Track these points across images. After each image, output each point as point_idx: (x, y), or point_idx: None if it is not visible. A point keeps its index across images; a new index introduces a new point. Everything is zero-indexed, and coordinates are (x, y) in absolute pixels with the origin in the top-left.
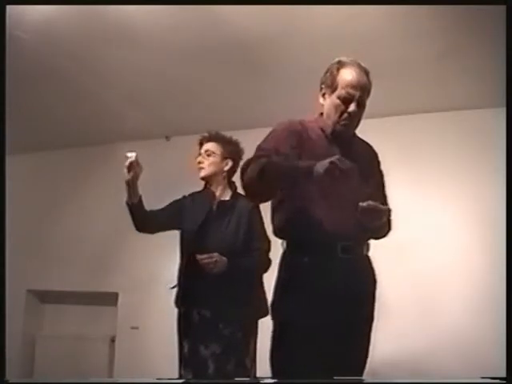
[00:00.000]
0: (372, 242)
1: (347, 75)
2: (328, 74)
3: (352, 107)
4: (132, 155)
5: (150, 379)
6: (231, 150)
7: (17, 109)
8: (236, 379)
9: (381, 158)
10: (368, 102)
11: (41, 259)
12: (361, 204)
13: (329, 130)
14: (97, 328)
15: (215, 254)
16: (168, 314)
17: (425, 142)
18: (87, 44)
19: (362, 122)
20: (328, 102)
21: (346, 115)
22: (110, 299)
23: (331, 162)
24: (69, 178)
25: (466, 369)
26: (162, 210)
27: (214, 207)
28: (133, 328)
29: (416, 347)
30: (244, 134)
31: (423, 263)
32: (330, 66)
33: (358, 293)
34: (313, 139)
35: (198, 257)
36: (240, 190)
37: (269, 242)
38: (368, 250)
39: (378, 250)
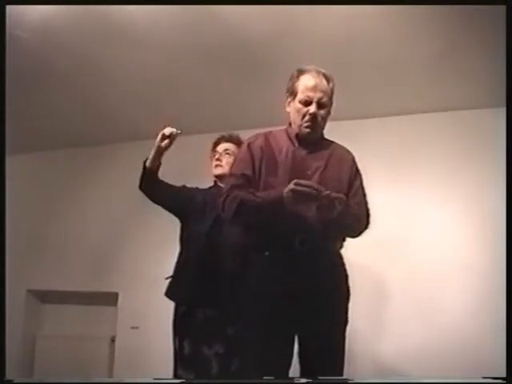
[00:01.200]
0: (372, 242)
1: (306, 81)
2: (289, 84)
3: (313, 108)
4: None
5: (149, 379)
6: None
7: (17, 108)
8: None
9: (380, 158)
10: (367, 102)
11: (41, 259)
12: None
13: (294, 135)
14: (97, 328)
15: None
16: (168, 314)
17: (424, 142)
18: (87, 43)
19: (363, 122)
20: (292, 108)
21: (307, 117)
22: (110, 299)
23: (295, 184)
24: (69, 178)
25: (465, 369)
26: (175, 187)
27: None
28: (133, 328)
29: (416, 347)
30: (244, 134)
31: (423, 263)
32: (291, 75)
33: (321, 289)
34: (274, 150)
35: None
36: None
37: None
38: (340, 247)
39: (377, 250)
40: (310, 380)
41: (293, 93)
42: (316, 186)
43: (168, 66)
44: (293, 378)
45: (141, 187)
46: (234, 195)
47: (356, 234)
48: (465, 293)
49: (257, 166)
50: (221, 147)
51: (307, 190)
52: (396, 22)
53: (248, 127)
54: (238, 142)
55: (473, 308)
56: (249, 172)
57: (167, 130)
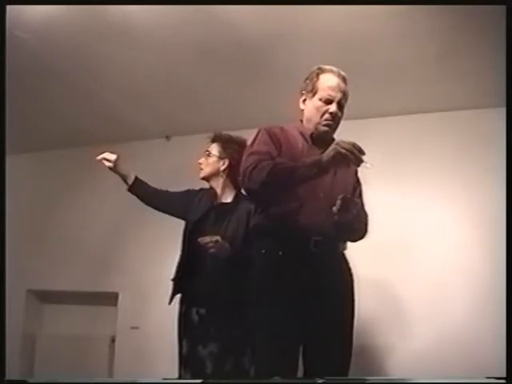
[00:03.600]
0: (372, 243)
1: (327, 79)
2: (308, 80)
3: (333, 107)
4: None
5: (151, 379)
6: (230, 149)
7: (17, 109)
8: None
9: (380, 158)
10: (368, 102)
11: (41, 259)
12: (339, 197)
13: (309, 133)
14: (97, 328)
15: (217, 237)
16: (168, 314)
17: (424, 142)
18: (87, 43)
19: (363, 122)
20: (309, 106)
21: (327, 115)
22: (110, 299)
23: (336, 144)
24: (69, 178)
25: (466, 369)
26: (176, 193)
27: (216, 208)
28: (133, 328)
29: (417, 347)
30: (244, 134)
31: (423, 264)
32: (309, 73)
33: (332, 289)
34: (291, 143)
35: (200, 239)
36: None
37: None
38: (344, 248)
39: (378, 251)
40: (325, 380)
41: (312, 90)
42: (358, 146)
43: (168, 66)
44: (313, 378)
45: (144, 203)
46: (264, 164)
47: (358, 238)
48: (465, 293)
49: (277, 150)
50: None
51: (348, 153)
52: (396, 22)
53: (248, 127)
54: (221, 140)
55: (473, 309)
56: (273, 153)
57: (105, 155)
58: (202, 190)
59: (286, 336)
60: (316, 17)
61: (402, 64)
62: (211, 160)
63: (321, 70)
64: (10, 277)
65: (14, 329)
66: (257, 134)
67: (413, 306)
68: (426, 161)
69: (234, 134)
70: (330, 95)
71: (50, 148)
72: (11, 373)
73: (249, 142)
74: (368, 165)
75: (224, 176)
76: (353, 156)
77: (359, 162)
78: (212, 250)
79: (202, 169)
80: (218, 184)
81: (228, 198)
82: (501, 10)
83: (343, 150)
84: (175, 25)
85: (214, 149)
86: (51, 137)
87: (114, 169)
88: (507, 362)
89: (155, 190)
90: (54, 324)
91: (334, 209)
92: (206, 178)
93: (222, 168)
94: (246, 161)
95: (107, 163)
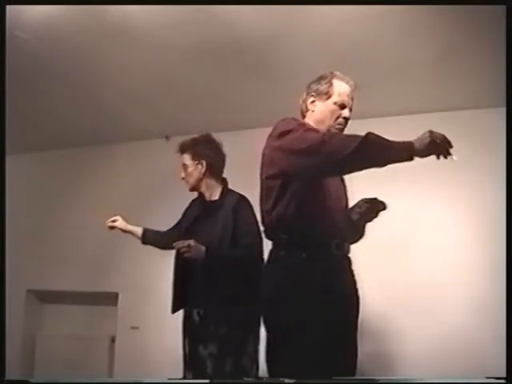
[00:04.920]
0: (373, 244)
1: (341, 86)
2: (319, 84)
3: (347, 112)
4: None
5: (152, 379)
6: (201, 151)
7: (17, 109)
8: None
9: None
10: (368, 102)
11: (41, 259)
12: (363, 199)
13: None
14: (97, 328)
15: (190, 240)
16: (168, 314)
17: None
18: (87, 44)
19: (363, 122)
20: (321, 108)
21: (341, 119)
22: (110, 299)
23: (430, 132)
24: (69, 178)
25: (466, 368)
26: (177, 224)
27: (204, 209)
28: (133, 328)
29: (417, 347)
30: (244, 133)
31: (423, 264)
32: (321, 76)
33: (348, 291)
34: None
35: (174, 244)
36: (232, 186)
37: (261, 237)
38: (349, 251)
39: (378, 252)
40: (334, 380)
41: (326, 94)
42: (447, 138)
43: (168, 66)
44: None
45: (160, 248)
46: (352, 135)
47: (356, 241)
48: (465, 293)
49: None
50: (181, 163)
51: (441, 143)
52: (396, 22)
53: (248, 127)
54: (187, 147)
55: (474, 309)
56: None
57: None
58: (191, 201)
59: (310, 339)
60: (316, 17)
61: (402, 64)
62: (190, 170)
63: (334, 75)
64: (10, 277)
65: (14, 329)
66: (287, 120)
67: (412, 305)
68: (426, 161)
69: (234, 134)
70: (344, 101)
71: (50, 148)
72: (11, 373)
73: (278, 128)
74: (455, 157)
75: (206, 177)
76: (444, 147)
77: (448, 153)
78: (186, 255)
79: (186, 181)
80: (204, 188)
81: (215, 196)
82: (501, 9)
83: (438, 140)
84: (175, 25)
85: (187, 159)
86: (51, 137)
87: (123, 227)
88: (507, 362)
89: (164, 233)
90: (54, 324)
91: (360, 210)
92: (194, 189)
93: (203, 171)
94: (307, 134)
95: (113, 224)
